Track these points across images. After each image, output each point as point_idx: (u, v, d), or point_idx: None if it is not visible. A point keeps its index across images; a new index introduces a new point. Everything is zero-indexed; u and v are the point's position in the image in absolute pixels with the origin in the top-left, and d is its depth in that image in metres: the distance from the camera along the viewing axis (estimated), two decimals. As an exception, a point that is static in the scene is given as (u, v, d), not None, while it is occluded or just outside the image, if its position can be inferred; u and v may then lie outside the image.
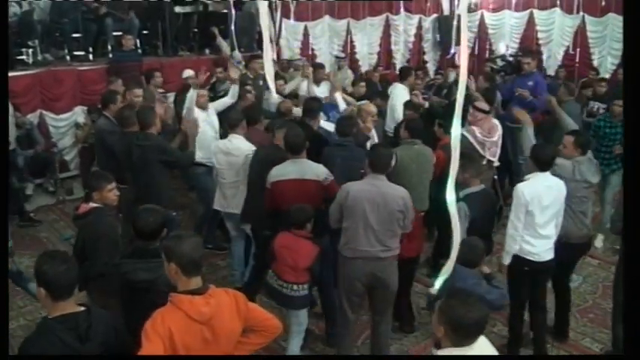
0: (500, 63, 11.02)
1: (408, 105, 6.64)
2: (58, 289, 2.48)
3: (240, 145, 5.26)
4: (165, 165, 5.07)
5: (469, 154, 4.72)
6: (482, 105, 6.05)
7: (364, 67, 12.80)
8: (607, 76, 11.62)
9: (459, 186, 4.26)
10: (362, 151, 5.02)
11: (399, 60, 13.59)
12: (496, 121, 6.16)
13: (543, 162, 4.31)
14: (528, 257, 4.37)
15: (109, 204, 3.86)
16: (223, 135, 5.92)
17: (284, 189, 4.40)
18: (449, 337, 2.51)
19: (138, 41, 9.50)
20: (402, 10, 13.33)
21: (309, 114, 5.61)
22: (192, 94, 6.21)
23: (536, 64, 7.74)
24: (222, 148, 5.37)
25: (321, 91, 7.55)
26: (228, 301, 2.64)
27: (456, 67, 10.10)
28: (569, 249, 4.64)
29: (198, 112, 6.11)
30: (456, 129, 3.25)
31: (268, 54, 5.29)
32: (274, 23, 11.17)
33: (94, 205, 3.78)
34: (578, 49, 12.55)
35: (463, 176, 4.32)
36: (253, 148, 5.16)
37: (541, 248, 4.37)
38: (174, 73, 9.07)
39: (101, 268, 3.53)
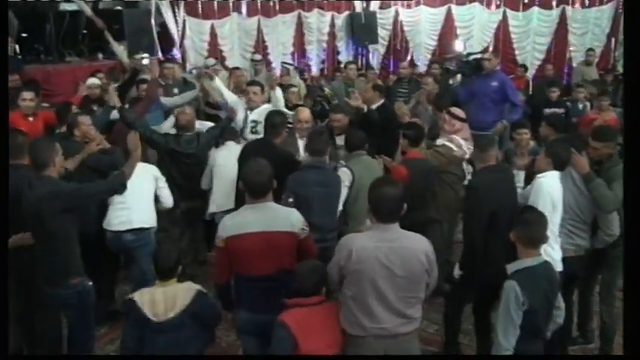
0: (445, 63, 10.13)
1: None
2: None
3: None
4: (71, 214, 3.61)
5: (529, 206, 3.57)
6: (458, 112, 5.16)
7: (278, 69, 11.71)
8: (533, 72, 11.35)
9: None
10: (338, 175, 4.05)
11: (315, 61, 12.75)
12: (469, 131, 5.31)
13: (561, 161, 3.90)
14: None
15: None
16: None
17: (244, 246, 3.15)
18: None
19: (17, 46, 7.99)
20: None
21: (272, 130, 4.57)
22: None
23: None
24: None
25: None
26: None
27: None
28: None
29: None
30: None
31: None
32: (176, 21, 10.05)
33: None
34: (500, 45, 12.13)
35: (515, 238, 3.18)
36: None
37: (559, 254, 3.79)
38: (62, 83, 7.85)
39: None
